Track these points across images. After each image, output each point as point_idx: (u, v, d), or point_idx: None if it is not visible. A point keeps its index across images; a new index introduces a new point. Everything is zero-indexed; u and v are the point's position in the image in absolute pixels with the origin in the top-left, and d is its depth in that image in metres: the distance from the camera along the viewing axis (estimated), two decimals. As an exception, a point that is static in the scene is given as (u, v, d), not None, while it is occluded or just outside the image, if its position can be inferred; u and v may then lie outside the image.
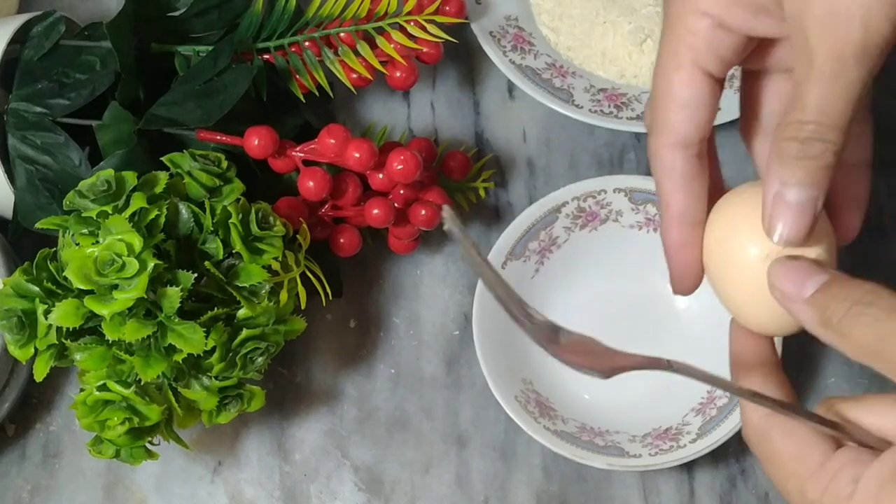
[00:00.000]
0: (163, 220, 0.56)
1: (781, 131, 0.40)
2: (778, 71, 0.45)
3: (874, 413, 0.40)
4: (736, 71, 0.69)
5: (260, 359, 0.58)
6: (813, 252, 0.42)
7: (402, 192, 0.63)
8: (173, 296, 0.54)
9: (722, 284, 0.44)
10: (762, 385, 0.43)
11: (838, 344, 0.39)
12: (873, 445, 0.39)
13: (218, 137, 0.62)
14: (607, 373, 0.40)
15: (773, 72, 0.46)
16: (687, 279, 0.45)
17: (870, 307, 0.39)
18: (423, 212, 0.64)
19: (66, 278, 0.54)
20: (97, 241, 0.54)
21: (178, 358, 0.55)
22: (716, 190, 0.45)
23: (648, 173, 0.65)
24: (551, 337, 0.39)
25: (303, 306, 0.60)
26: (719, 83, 0.43)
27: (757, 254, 0.42)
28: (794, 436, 0.40)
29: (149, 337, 0.54)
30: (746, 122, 0.47)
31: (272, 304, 0.57)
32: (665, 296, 0.66)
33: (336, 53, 0.66)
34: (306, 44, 0.66)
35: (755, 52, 0.45)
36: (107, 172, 0.56)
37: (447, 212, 0.37)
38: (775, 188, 0.40)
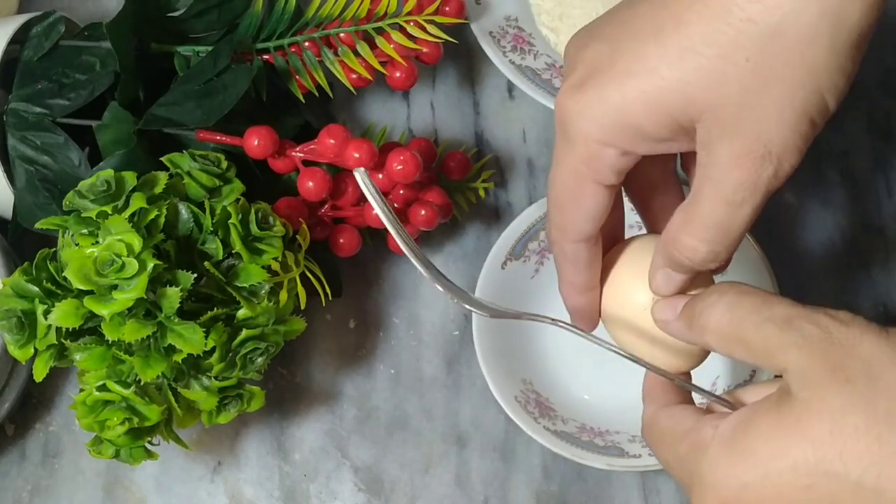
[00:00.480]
0: (162, 220, 0.56)
1: (677, 240, 0.44)
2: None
3: (755, 392, 0.44)
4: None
5: (260, 359, 0.58)
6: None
7: (401, 192, 0.63)
8: (173, 296, 0.54)
9: (619, 329, 0.49)
10: (664, 396, 0.47)
11: (704, 339, 0.43)
12: None
13: (218, 137, 0.62)
14: (492, 314, 0.45)
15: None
16: (589, 325, 0.51)
17: (724, 296, 0.43)
18: (423, 212, 0.64)
19: (65, 278, 0.54)
20: (97, 242, 0.54)
21: (178, 358, 0.55)
22: (617, 234, 0.51)
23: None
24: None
25: (302, 306, 0.60)
26: (614, 189, 0.46)
27: (647, 301, 0.47)
28: (673, 413, 0.45)
29: (148, 337, 0.54)
30: (630, 183, 0.49)
31: (272, 304, 0.57)
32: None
33: (336, 54, 0.66)
34: (306, 44, 0.66)
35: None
36: (106, 172, 0.56)
37: (361, 172, 0.42)
38: (661, 266, 0.46)
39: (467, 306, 0.44)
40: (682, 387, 0.47)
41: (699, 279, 0.47)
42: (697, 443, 0.42)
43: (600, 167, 0.44)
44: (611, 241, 0.50)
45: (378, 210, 0.42)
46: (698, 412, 0.44)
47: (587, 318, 0.50)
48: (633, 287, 0.48)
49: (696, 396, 0.48)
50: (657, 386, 0.48)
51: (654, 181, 0.49)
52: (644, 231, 0.52)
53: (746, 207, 0.41)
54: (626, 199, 0.51)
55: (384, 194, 0.64)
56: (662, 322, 0.46)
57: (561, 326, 0.46)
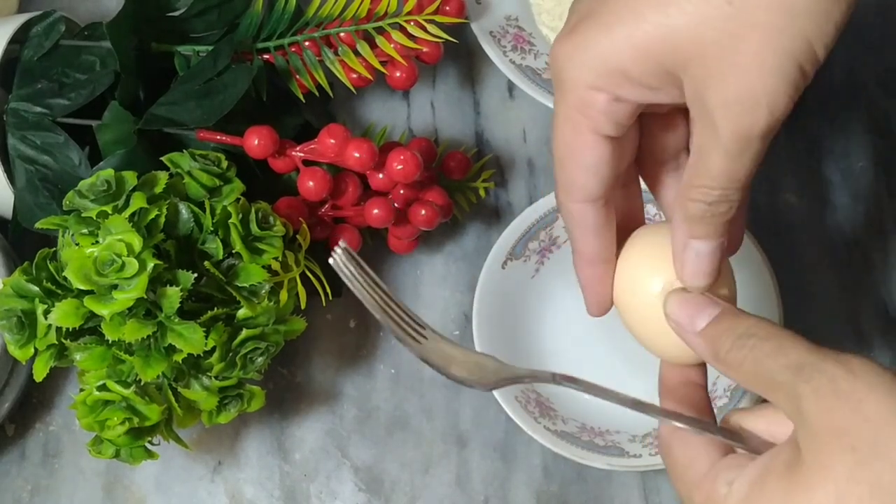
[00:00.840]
0: (163, 220, 0.56)
1: (688, 192, 0.43)
2: (667, 109, 0.47)
3: (766, 420, 0.43)
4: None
5: (260, 359, 0.57)
6: (717, 289, 0.46)
7: (402, 192, 0.63)
8: (173, 296, 0.54)
9: (630, 316, 0.48)
10: (678, 403, 0.46)
11: (730, 374, 0.42)
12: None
13: (218, 137, 0.62)
14: (491, 386, 0.46)
15: (662, 110, 0.47)
16: (599, 306, 0.49)
17: (750, 339, 0.42)
18: (423, 212, 0.64)
19: (65, 278, 0.54)
20: (97, 241, 0.54)
21: (178, 358, 0.55)
22: (635, 220, 0.49)
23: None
24: (444, 357, 0.45)
25: (303, 306, 0.60)
26: (618, 139, 0.45)
27: (660, 290, 0.46)
28: (689, 446, 0.43)
29: (149, 337, 0.54)
30: (643, 159, 0.49)
31: (272, 304, 0.57)
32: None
33: (336, 53, 0.66)
34: (306, 44, 0.66)
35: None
36: (107, 172, 0.56)
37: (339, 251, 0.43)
38: (684, 241, 0.44)
39: (458, 380, 0.45)
40: (700, 433, 0.45)
41: (721, 277, 0.46)
42: (712, 497, 0.41)
43: (594, 114, 0.43)
44: (630, 225, 0.49)
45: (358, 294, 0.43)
46: (712, 452, 0.43)
47: (597, 298, 0.49)
48: (648, 271, 0.47)
49: (712, 392, 0.47)
50: (674, 380, 0.47)
51: (667, 161, 0.49)
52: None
53: (746, 156, 0.41)
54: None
55: (384, 194, 0.64)
56: (676, 324, 0.45)
57: (565, 385, 0.45)
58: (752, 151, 0.41)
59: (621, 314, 0.49)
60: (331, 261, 0.44)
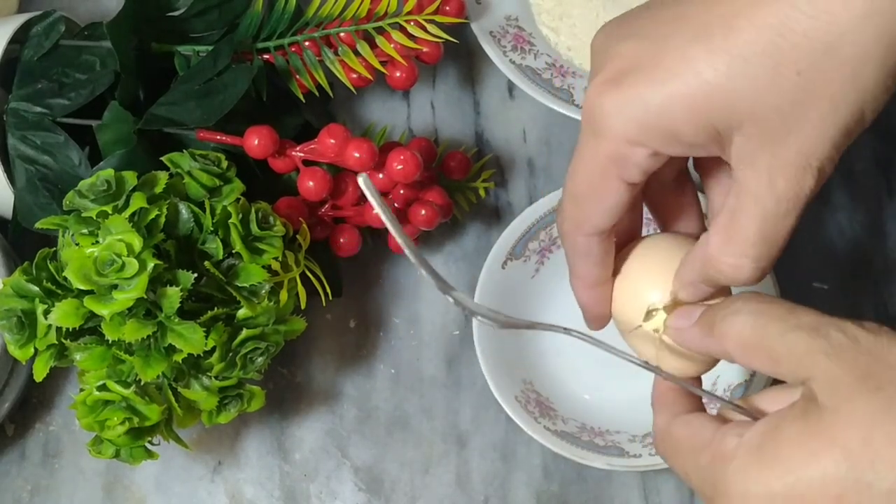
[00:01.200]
0: (163, 220, 0.56)
1: (716, 266, 0.43)
2: None
3: (773, 401, 0.43)
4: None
5: (260, 359, 0.57)
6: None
7: (402, 192, 0.63)
8: (173, 296, 0.54)
9: (626, 329, 0.49)
10: (673, 415, 0.46)
11: (724, 346, 0.43)
12: None
13: (218, 137, 0.62)
14: (503, 324, 0.46)
15: None
16: (598, 322, 0.50)
17: (748, 303, 0.42)
18: (423, 212, 0.64)
19: (65, 278, 0.54)
20: (97, 241, 0.54)
21: (178, 358, 0.55)
22: (633, 236, 0.50)
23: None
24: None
25: (303, 306, 0.60)
26: (637, 186, 0.45)
27: (655, 301, 0.47)
28: (690, 422, 0.44)
29: (149, 337, 0.54)
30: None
31: (272, 304, 0.57)
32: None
33: (336, 53, 0.66)
34: (306, 44, 0.66)
35: None
36: (107, 172, 0.56)
37: (363, 178, 0.42)
38: (694, 283, 0.45)
39: (476, 314, 0.44)
40: (696, 393, 0.46)
41: (720, 290, 0.46)
42: (721, 453, 0.41)
43: (628, 165, 0.43)
44: (627, 240, 0.50)
45: (384, 219, 0.42)
46: (716, 421, 0.43)
47: (597, 315, 0.50)
48: (645, 286, 0.47)
49: (707, 403, 0.48)
50: (668, 393, 0.47)
51: (668, 179, 0.49)
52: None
53: (790, 218, 0.41)
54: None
55: (384, 195, 0.64)
56: (677, 330, 0.45)
57: (575, 336, 0.46)
58: (795, 215, 0.41)
59: (619, 326, 0.49)
60: (361, 182, 0.43)
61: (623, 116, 0.42)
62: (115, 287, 0.53)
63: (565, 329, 0.46)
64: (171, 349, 0.55)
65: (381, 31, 0.65)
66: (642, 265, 0.48)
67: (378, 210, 0.42)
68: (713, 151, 0.42)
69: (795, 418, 0.39)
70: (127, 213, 0.55)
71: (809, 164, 0.40)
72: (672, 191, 0.49)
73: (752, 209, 0.41)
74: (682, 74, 0.40)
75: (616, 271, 0.49)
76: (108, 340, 0.55)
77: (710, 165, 0.47)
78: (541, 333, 0.66)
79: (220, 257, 0.57)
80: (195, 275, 0.55)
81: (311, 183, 0.61)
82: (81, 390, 0.57)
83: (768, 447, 0.39)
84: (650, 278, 0.47)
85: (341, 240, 0.64)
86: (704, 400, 0.47)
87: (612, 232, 0.47)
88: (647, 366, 0.46)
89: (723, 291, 0.47)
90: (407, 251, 0.42)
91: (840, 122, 0.40)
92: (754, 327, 0.41)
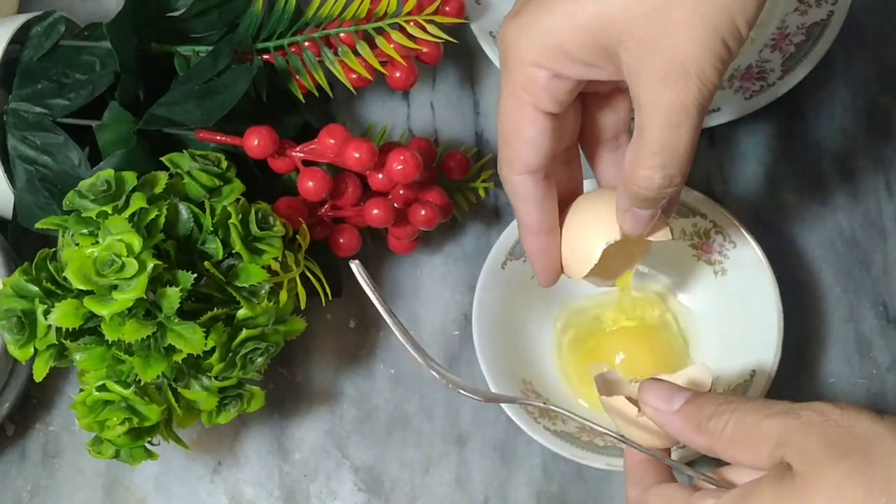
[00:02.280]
0: (163, 220, 0.56)
1: (632, 180, 0.46)
2: (607, 88, 0.50)
3: (744, 475, 0.45)
4: (735, 71, 0.69)
5: (260, 359, 0.58)
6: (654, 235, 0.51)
7: (401, 192, 0.63)
8: (173, 296, 0.54)
9: (579, 275, 0.52)
10: (649, 477, 0.49)
11: (712, 444, 0.45)
12: None
13: (218, 137, 0.62)
14: (486, 399, 0.50)
15: (603, 89, 0.50)
16: (548, 276, 0.53)
17: (732, 404, 0.44)
18: (423, 212, 0.64)
19: (65, 278, 0.54)
20: (97, 242, 0.54)
21: (178, 358, 0.55)
22: (577, 195, 0.53)
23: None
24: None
25: (302, 306, 0.60)
26: (558, 116, 0.48)
27: (601, 243, 0.50)
28: (662, 492, 0.47)
29: (148, 337, 0.54)
30: (585, 139, 0.53)
31: (272, 304, 0.57)
32: (664, 294, 0.66)
33: (336, 54, 0.66)
34: (306, 44, 0.66)
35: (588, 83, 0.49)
36: (107, 172, 0.56)
37: (357, 266, 0.47)
38: (626, 207, 0.48)
39: (462, 392, 0.48)
40: (669, 464, 0.49)
41: (658, 223, 0.50)
42: None
43: (535, 90, 0.46)
44: (571, 198, 0.53)
45: (377, 305, 0.47)
46: (688, 489, 0.46)
47: (545, 265, 0.52)
48: (591, 231, 0.50)
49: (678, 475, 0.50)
50: (640, 465, 0.49)
51: (607, 138, 0.52)
52: None
53: (684, 128, 0.43)
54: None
55: (384, 194, 0.64)
56: (656, 412, 0.47)
57: (554, 410, 0.49)
58: (689, 124, 0.43)
59: (572, 276, 0.52)
60: (354, 268, 0.48)
61: (521, 42, 0.46)
62: (114, 287, 0.53)
63: (545, 403, 0.50)
64: (170, 349, 0.55)
65: (380, 31, 0.65)
66: (586, 213, 0.51)
67: (371, 296, 0.47)
68: (612, 72, 0.45)
69: (771, 483, 0.41)
70: (127, 214, 0.55)
71: (688, 72, 0.42)
72: (612, 150, 0.52)
73: (649, 121, 0.44)
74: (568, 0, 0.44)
75: (563, 229, 0.52)
76: (107, 341, 0.55)
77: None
78: (540, 333, 0.66)
79: (220, 257, 0.57)
80: (195, 275, 0.55)
81: (310, 183, 0.61)
82: (81, 390, 0.57)
83: (748, 499, 0.42)
84: (595, 223, 0.50)
85: (341, 240, 0.64)
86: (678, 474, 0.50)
87: (545, 174, 0.49)
88: (622, 439, 0.48)
89: (660, 224, 0.50)
90: (396, 331, 0.47)
91: (707, 23, 0.42)
92: (736, 423, 0.44)
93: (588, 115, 0.51)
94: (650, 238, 0.51)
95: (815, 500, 0.39)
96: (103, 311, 0.53)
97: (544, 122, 0.47)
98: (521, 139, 0.48)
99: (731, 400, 0.45)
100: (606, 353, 0.65)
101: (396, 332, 0.47)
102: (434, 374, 0.47)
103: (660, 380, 0.48)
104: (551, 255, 0.52)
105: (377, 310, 0.47)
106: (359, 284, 0.68)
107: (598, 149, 0.53)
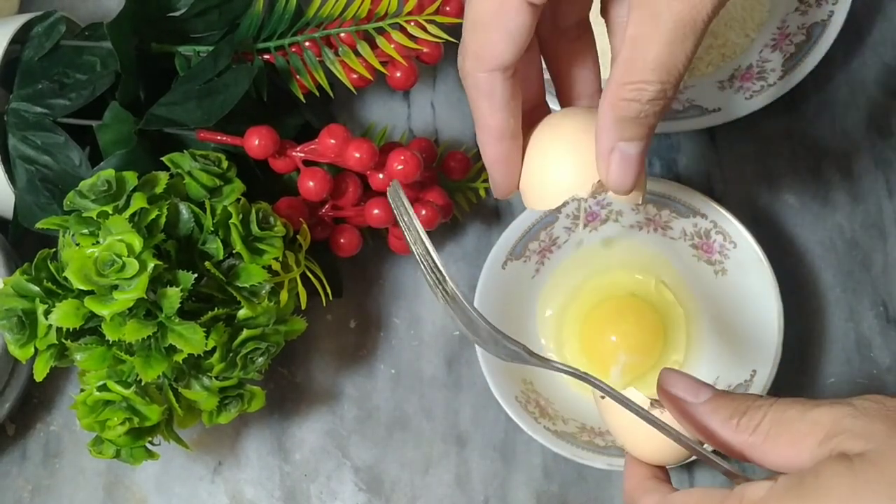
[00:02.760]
0: (163, 220, 0.56)
1: (620, 91, 0.42)
2: None
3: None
4: (735, 71, 0.69)
5: (260, 359, 0.58)
6: (635, 191, 0.46)
7: (402, 192, 0.63)
8: (173, 296, 0.54)
9: (533, 198, 0.48)
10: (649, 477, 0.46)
11: (741, 440, 0.41)
12: None
13: (218, 137, 0.62)
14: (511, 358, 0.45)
15: None
16: (505, 185, 0.49)
17: (769, 400, 0.41)
18: (424, 212, 0.64)
19: (66, 278, 0.54)
20: (97, 242, 0.54)
21: (179, 358, 0.55)
22: (538, 106, 0.49)
23: (650, 173, 0.65)
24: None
25: (303, 306, 0.60)
26: (538, 9, 0.44)
27: (570, 181, 0.46)
28: (692, 493, 0.43)
29: (149, 337, 0.54)
30: (544, 35, 0.49)
31: (272, 304, 0.57)
32: (665, 294, 0.66)
33: (336, 54, 0.66)
34: (306, 44, 0.66)
35: None
36: (107, 172, 0.56)
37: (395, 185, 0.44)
38: (611, 143, 0.44)
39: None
40: (707, 460, 0.44)
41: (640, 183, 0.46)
42: (749, 499, 0.40)
43: None
44: (530, 109, 0.49)
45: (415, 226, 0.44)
46: (718, 489, 0.42)
47: (505, 176, 0.48)
48: (555, 158, 0.46)
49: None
50: (646, 483, 0.46)
51: (569, 25, 0.49)
52: None
53: (687, 43, 0.41)
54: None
55: (384, 194, 0.64)
56: (678, 401, 0.44)
57: (587, 380, 0.44)
58: (693, 39, 0.41)
59: (526, 197, 0.48)
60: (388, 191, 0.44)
61: None
62: (115, 287, 0.53)
63: (583, 373, 0.44)
64: (171, 349, 0.55)
65: (381, 31, 0.65)
66: (555, 136, 0.47)
67: (413, 221, 0.43)
68: None
69: (837, 466, 0.38)
70: (127, 214, 0.55)
71: None
72: (572, 40, 0.49)
73: (650, 34, 0.41)
74: None
75: (527, 142, 0.48)
76: (108, 341, 0.55)
77: (613, 10, 0.47)
78: (541, 333, 0.66)
79: (221, 257, 0.57)
80: (195, 275, 0.55)
81: (311, 183, 0.61)
82: (82, 390, 0.57)
83: (809, 484, 0.38)
84: (562, 149, 0.46)
85: (341, 240, 0.64)
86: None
87: (514, 71, 0.46)
88: (651, 417, 0.44)
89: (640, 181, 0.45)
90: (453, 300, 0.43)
91: None
92: (774, 415, 0.41)
93: (552, 31, 0.48)
94: (623, 198, 0.46)
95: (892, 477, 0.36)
96: (104, 311, 0.53)
97: (529, 14, 0.43)
98: (501, 30, 0.44)
99: (766, 397, 0.42)
100: (601, 326, 0.65)
101: (429, 260, 0.43)
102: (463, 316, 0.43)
103: (681, 371, 0.45)
104: (514, 164, 0.48)
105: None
106: (359, 284, 0.69)
107: (563, 60, 0.49)
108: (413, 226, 0.44)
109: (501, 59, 0.45)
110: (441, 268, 0.45)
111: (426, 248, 0.44)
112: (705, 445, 0.44)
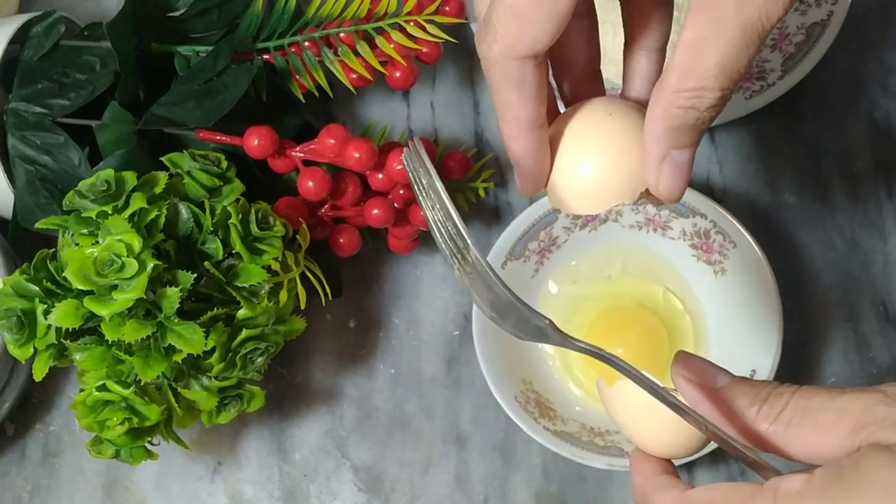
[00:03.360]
0: (162, 220, 0.56)
1: (677, 100, 0.40)
2: None
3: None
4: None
5: (260, 359, 0.58)
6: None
7: (401, 192, 0.63)
8: (173, 296, 0.54)
9: (564, 195, 0.44)
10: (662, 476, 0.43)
11: (762, 428, 0.40)
12: None
13: (218, 137, 0.62)
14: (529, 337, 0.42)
15: None
16: (535, 180, 0.45)
17: (791, 387, 0.40)
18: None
19: (65, 278, 0.54)
20: (97, 242, 0.54)
21: (178, 358, 0.55)
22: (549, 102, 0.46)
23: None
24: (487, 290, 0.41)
25: (302, 306, 0.60)
26: None
27: (618, 203, 0.43)
28: (716, 487, 0.40)
29: (148, 337, 0.54)
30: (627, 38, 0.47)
31: (272, 304, 0.57)
32: (673, 303, 0.66)
33: (336, 54, 0.66)
34: (306, 44, 0.66)
35: None
36: (106, 172, 0.56)
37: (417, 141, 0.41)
38: (663, 152, 0.41)
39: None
40: (735, 452, 0.41)
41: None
42: (784, 493, 0.37)
43: None
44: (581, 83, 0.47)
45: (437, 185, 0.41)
46: (745, 483, 0.40)
47: (536, 171, 0.45)
48: (605, 161, 0.43)
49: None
50: (657, 479, 0.43)
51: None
52: None
53: (753, 48, 0.39)
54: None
55: (384, 194, 0.64)
56: (693, 386, 0.42)
57: (609, 360, 0.42)
58: (758, 45, 0.39)
59: (559, 197, 0.45)
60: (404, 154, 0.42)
61: None
62: (114, 287, 0.53)
63: (612, 356, 0.42)
64: (170, 349, 0.55)
65: (380, 31, 0.65)
66: (595, 135, 0.44)
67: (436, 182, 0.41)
68: None
69: (876, 454, 0.36)
70: (127, 214, 0.55)
71: None
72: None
73: (717, 38, 0.39)
74: None
75: (555, 137, 0.44)
76: (107, 341, 0.55)
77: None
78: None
79: (220, 257, 0.57)
80: (195, 275, 0.55)
81: (310, 183, 0.61)
82: (81, 390, 0.57)
83: (851, 476, 0.36)
84: (609, 153, 0.43)
85: (341, 240, 0.64)
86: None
87: (546, 59, 0.43)
88: (675, 400, 0.41)
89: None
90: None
91: None
92: (798, 402, 0.39)
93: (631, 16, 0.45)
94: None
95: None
96: (103, 311, 0.53)
97: None
98: (549, 9, 0.40)
99: (787, 384, 0.40)
100: (604, 334, 0.64)
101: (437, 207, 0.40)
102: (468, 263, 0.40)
103: (697, 355, 0.43)
104: (544, 157, 0.44)
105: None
106: (359, 284, 0.69)
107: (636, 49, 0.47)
108: (432, 187, 0.41)
109: (541, 43, 0.41)
110: (464, 232, 0.42)
111: (448, 211, 0.41)
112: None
